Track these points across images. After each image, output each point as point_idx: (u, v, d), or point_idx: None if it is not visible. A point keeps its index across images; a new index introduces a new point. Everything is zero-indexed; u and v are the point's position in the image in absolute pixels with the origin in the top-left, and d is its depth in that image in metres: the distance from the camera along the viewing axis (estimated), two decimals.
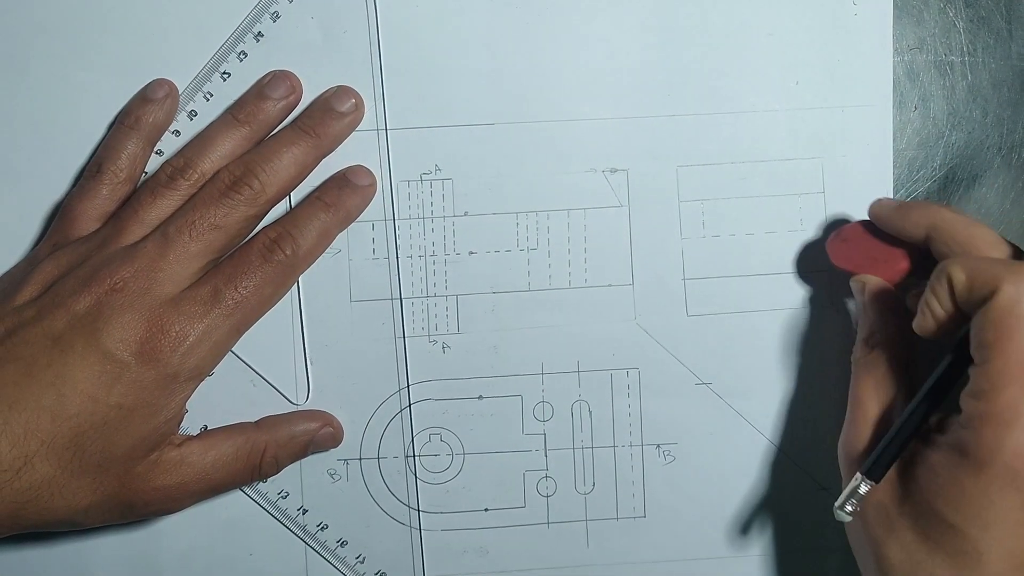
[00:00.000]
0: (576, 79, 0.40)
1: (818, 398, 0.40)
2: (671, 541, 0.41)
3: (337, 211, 0.39)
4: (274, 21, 0.40)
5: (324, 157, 0.40)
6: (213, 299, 0.37)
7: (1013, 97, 0.41)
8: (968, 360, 0.32)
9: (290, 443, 0.40)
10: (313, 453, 0.41)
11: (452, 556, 0.41)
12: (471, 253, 0.41)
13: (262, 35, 0.40)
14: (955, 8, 0.41)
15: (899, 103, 0.41)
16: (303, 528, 0.41)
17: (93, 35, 0.40)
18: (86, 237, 0.38)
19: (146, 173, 0.40)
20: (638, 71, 0.40)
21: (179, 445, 0.38)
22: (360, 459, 0.41)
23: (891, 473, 0.34)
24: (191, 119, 0.40)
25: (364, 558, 0.41)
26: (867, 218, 0.38)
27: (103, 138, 0.40)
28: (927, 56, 0.41)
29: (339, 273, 0.41)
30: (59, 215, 0.39)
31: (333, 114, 0.39)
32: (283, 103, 0.40)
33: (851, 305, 0.40)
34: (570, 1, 0.40)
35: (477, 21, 0.40)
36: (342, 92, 0.40)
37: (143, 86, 0.40)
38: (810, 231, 0.40)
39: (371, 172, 0.40)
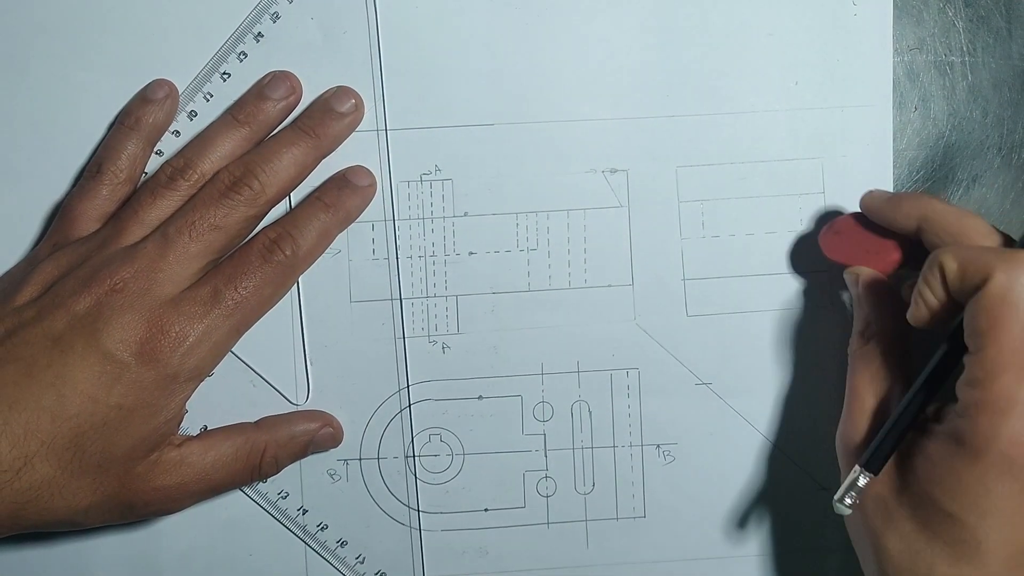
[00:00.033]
0: (576, 79, 0.40)
1: (817, 398, 0.40)
2: (671, 541, 0.41)
3: (337, 211, 0.39)
4: (274, 21, 0.40)
5: (324, 157, 0.40)
6: (213, 299, 0.37)
7: (1013, 97, 0.41)
8: (963, 349, 0.32)
9: (290, 443, 0.40)
10: (313, 453, 0.41)
11: (452, 556, 0.41)
12: (471, 253, 0.41)
13: (262, 35, 0.40)
14: (955, 8, 0.41)
15: (899, 103, 0.41)
16: (303, 528, 0.41)
17: (93, 35, 0.40)
18: (86, 237, 0.38)
19: (146, 173, 0.40)
20: (638, 71, 0.40)
21: (179, 445, 0.38)
22: (360, 459, 0.41)
23: (889, 464, 0.34)
24: (191, 119, 0.40)
25: (364, 558, 0.41)
26: (859, 210, 0.38)
27: (103, 138, 0.40)
28: (927, 56, 0.41)
29: (339, 273, 0.41)
30: (59, 215, 0.39)
31: (333, 114, 0.39)
32: (283, 104, 0.40)
33: (846, 297, 0.40)
34: (570, 1, 0.40)
35: (477, 21, 0.40)
36: (342, 92, 0.40)
37: (143, 86, 0.40)
38: (810, 232, 0.40)
39: (371, 172, 0.40)
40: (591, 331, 0.41)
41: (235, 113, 0.39)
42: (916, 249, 0.36)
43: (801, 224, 0.40)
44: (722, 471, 0.41)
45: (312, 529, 0.41)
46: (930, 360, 0.34)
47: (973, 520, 0.32)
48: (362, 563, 0.41)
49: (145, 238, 0.37)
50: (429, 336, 0.41)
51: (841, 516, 0.36)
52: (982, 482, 0.31)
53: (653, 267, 0.41)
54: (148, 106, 0.39)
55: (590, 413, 0.41)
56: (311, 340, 0.41)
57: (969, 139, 0.41)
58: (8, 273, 0.39)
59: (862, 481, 0.34)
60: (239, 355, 0.40)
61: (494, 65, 0.40)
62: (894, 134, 0.40)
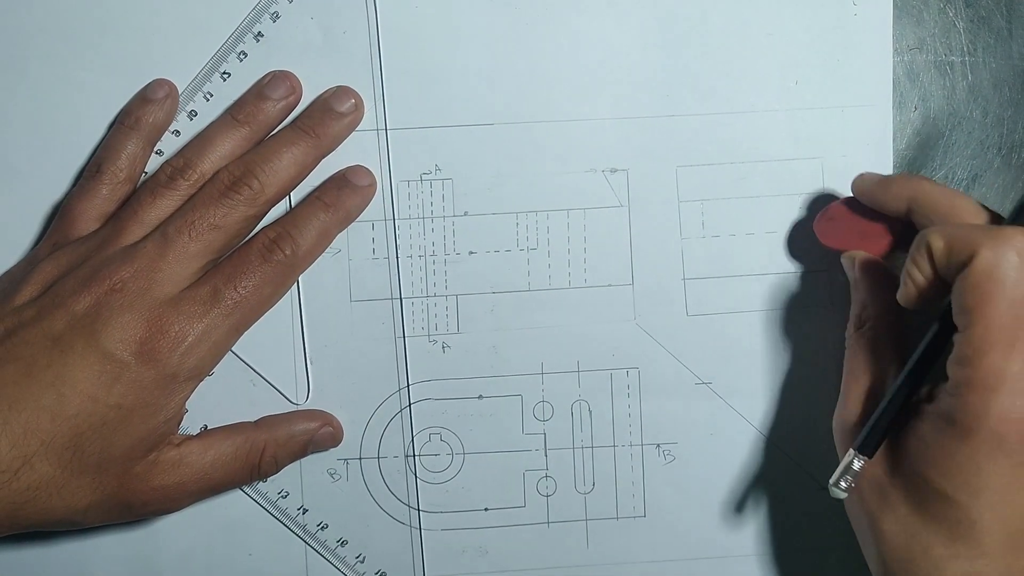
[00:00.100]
0: (576, 79, 0.40)
1: (817, 397, 0.40)
2: (671, 541, 0.41)
3: (337, 211, 0.39)
4: (274, 21, 0.40)
5: (324, 157, 0.40)
6: (212, 299, 0.37)
7: (1014, 97, 0.41)
8: (953, 328, 0.32)
9: (289, 443, 0.40)
10: (313, 453, 0.41)
11: (452, 556, 0.41)
12: (471, 253, 0.41)
13: (262, 35, 0.40)
14: (955, 8, 0.41)
15: (899, 103, 0.41)
16: (303, 528, 0.41)
17: (93, 35, 0.40)
18: (86, 237, 0.38)
19: (146, 173, 0.40)
20: (638, 71, 0.40)
21: (178, 445, 0.38)
22: (360, 459, 0.41)
23: (884, 447, 0.34)
24: (191, 119, 0.40)
25: (364, 558, 0.41)
26: (851, 195, 0.38)
27: (103, 138, 0.40)
28: (927, 56, 0.41)
29: (339, 273, 0.41)
30: (59, 215, 0.39)
31: (333, 114, 0.39)
32: (283, 103, 0.40)
33: (846, 297, 0.40)
34: (570, 1, 0.40)
35: (477, 21, 0.40)
36: (342, 92, 0.40)
37: (143, 86, 0.40)
38: (810, 231, 0.40)
39: (371, 172, 0.40)
40: (591, 331, 0.41)
41: (235, 113, 0.39)
42: (909, 231, 0.36)
43: (801, 224, 0.40)
44: (722, 471, 0.41)
45: (312, 528, 0.41)
46: (922, 341, 0.34)
47: (966, 499, 0.32)
48: (362, 562, 0.41)
49: (145, 238, 0.37)
50: (429, 336, 0.41)
51: (842, 509, 0.36)
52: (974, 460, 0.31)
53: (653, 267, 0.41)
54: (148, 106, 0.39)
55: (590, 413, 0.41)
56: (311, 340, 0.41)
57: (969, 139, 0.41)
58: (8, 273, 0.39)
59: (857, 464, 0.34)
60: (239, 355, 0.40)
61: (494, 65, 0.40)
62: (894, 134, 0.40)
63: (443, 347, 0.41)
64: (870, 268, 0.37)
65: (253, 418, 0.40)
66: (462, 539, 0.41)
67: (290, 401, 0.41)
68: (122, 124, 0.39)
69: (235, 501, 0.41)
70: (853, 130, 0.40)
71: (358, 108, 0.40)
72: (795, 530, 0.41)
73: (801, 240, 0.40)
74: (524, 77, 0.40)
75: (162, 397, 0.36)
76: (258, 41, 0.40)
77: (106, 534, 0.41)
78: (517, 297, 0.41)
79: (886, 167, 0.40)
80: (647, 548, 0.41)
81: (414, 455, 0.41)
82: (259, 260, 0.38)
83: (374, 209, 0.40)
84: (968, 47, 0.41)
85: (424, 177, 0.41)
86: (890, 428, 0.34)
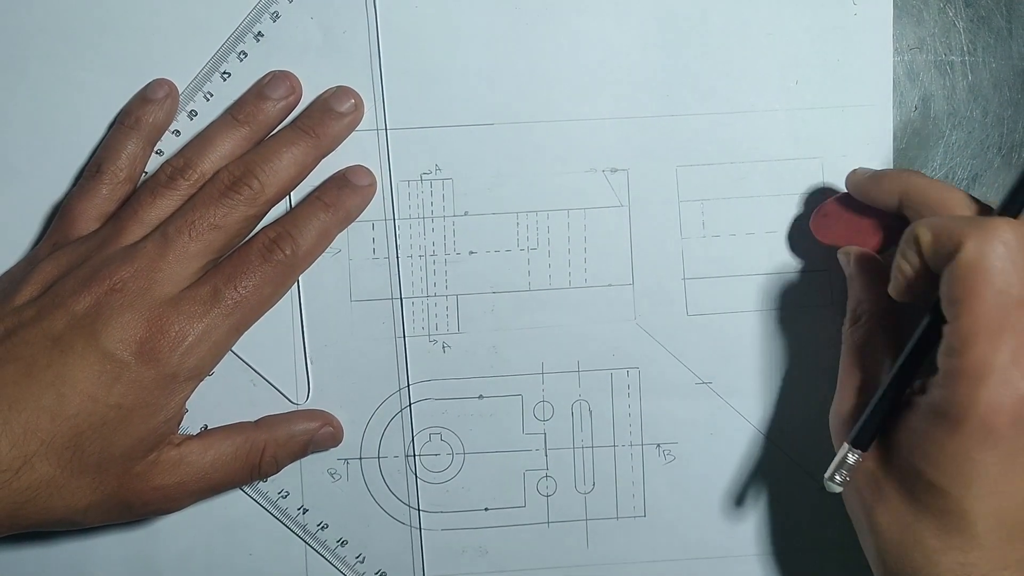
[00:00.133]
0: (576, 79, 0.40)
1: (817, 397, 0.40)
2: (671, 541, 0.41)
3: (337, 211, 0.39)
4: (274, 21, 0.40)
5: (324, 157, 0.40)
6: (213, 299, 0.37)
7: (1014, 97, 0.41)
8: (943, 320, 0.32)
9: (289, 442, 0.40)
10: (313, 452, 0.41)
11: (452, 556, 0.41)
12: (471, 253, 0.41)
13: (262, 35, 0.40)
14: (955, 8, 0.41)
15: (899, 103, 0.41)
16: (303, 528, 0.41)
17: (93, 35, 0.40)
18: (86, 237, 0.38)
19: (146, 173, 0.40)
20: (638, 71, 0.40)
21: (178, 445, 0.38)
22: (360, 459, 0.41)
23: (878, 440, 0.34)
24: (191, 119, 0.40)
25: (364, 558, 0.41)
26: (846, 192, 0.38)
27: (103, 138, 0.40)
28: (927, 56, 0.41)
29: (339, 273, 0.41)
30: (59, 215, 0.39)
31: (333, 114, 0.39)
32: (283, 103, 0.40)
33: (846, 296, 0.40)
34: (570, 1, 0.40)
35: (477, 21, 0.40)
36: (341, 92, 0.40)
37: (143, 86, 0.40)
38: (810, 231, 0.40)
39: (371, 172, 0.40)
40: (591, 331, 0.41)
41: (235, 113, 0.39)
42: (902, 226, 0.36)
43: (801, 224, 0.40)
44: (722, 471, 0.41)
45: (312, 528, 0.41)
46: (914, 334, 0.34)
47: (958, 491, 0.32)
48: (362, 562, 0.41)
49: (145, 238, 0.37)
50: (429, 335, 0.41)
51: (842, 509, 0.36)
52: (964, 451, 0.31)
53: (653, 267, 0.41)
54: (148, 106, 0.39)
55: (590, 412, 0.41)
56: (311, 340, 0.41)
57: (969, 139, 0.41)
58: (8, 273, 0.39)
59: (851, 458, 0.34)
60: (239, 354, 0.40)
61: (494, 65, 0.40)
62: (894, 134, 0.40)
63: (443, 347, 0.41)
64: (865, 263, 0.38)
65: (253, 418, 0.40)
66: (462, 539, 0.41)
67: (290, 401, 0.41)
68: (122, 124, 0.39)
69: (235, 501, 0.41)
70: (853, 130, 0.40)
71: (358, 108, 0.40)
72: (795, 530, 0.41)
73: (801, 240, 0.41)
74: (524, 77, 0.40)
75: (162, 397, 0.36)
76: (258, 41, 0.40)
77: (106, 534, 0.41)
78: (517, 297, 0.41)
79: (886, 167, 0.40)
80: (647, 548, 0.41)
81: (414, 455, 0.41)
82: (259, 260, 0.38)
83: (374, 209, 0.40)
84: (968, 47, 0.41)
85: (424, 177, 0.41)
86: (884, 421, 0.34)
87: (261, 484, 0.41)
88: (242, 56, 0.40)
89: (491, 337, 0.41)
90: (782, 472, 0.41)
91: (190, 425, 0.40)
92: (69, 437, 0.35)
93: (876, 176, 0.37)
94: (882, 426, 0.34)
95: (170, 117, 0.40)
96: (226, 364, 0.39)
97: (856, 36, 0.40)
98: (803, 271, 0.41)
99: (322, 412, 0.41)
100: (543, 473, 0.41)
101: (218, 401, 0.40)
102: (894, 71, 0.40)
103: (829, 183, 0.40)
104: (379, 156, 0.40)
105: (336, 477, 0.41)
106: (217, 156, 0.39)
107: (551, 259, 0.41)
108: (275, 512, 0.41)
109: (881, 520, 0.34)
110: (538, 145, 0.40)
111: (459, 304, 0.41)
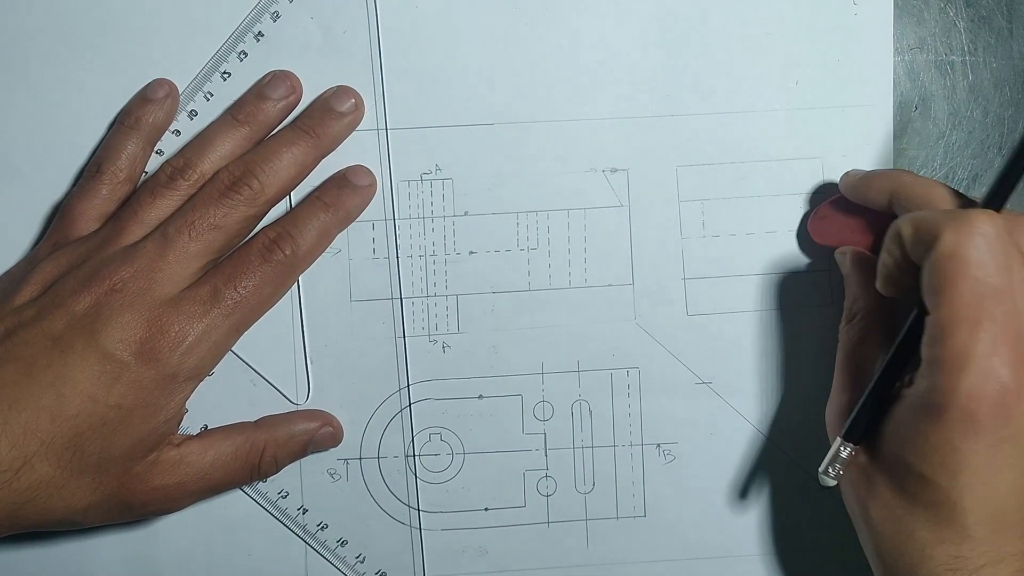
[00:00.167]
0: (576, 79, 0.40)
1: (817, 397, 0.40)
2: (671, 541, 0.41)
3: (337, 211, 0.39)
4: (274, 21, 0.40)
5: (324, 157, 0.40)
6: (212, 299, 0.37)
7: (1014, 97, 0.41)
8: (927, 312, 0.32)
9: (289, 442, 0.40)
10: (313, 453, 0.41)
11: (452, 556, 0.41)
12: (471, 253, 0.41)
13: (262, 35, 0.40)
14: (955, 7, 0.41)
15: (899, 103, 0.41)
16: (303, 528, 0.41)
17: (93, 35, 0.40)
18: (86, 237, 0.38)
19: (146, 173, 0.40)
20: (638, 71, 0.40)
21: (178, 445, 0.38)
22: (360, 459, 0.41)
23: (871, 435, 0.34)
24: (191, 119, 0.40)
25: (364, 558, 0.41)
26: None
27: (103, 138, 0.40)
28: (927, 56, 0.41)
29: (339, 273, 0.41)
30: (59, 215, 0.39)
31: (333, 114, 0.39)
32: (283, 103, 0.40)
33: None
34: (570, 1, 0.40)
35: (477, 21, 0.40)
36: (342, 92, 0.40)
37: (143, 86, 0.40)
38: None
39: (371, 172, 0.40)
40: (591, 331, 0.41)
41: (235, 113, 0.39)
42: None
43: (800, 224, 0.41)
44: (722, 471, 0.41)
45: (312, 528, 0.41)
46: (903, 327, 0.34)
47: (946, 481, 0.32)
48: (362, 562, 0.41)
49: (145, 238, 0.37)
50: (429, 335, 0.41)
51: (842, 508, 0.36)
52: (948, 441, 0.31)
53: (653, 267, 0.41)
54: (148, 106, 0.39)
55: (590, 412, 0.41)
56: (311, 340, 0.41)
57: (970, 139, 0.41)
58: (8, 273, 0.39)
59: (844, 452, 0.34)
60: (239, 354, 0.40)
61: (494, 65, 0.40)
62: (894, 134, 0.40)
63: (443, 347, 0.41)
64: (861, 262, 0.38)
65: (253, 418, 0.40)
66: (462, 539, 0.41)
67: (290, 401, 0.41)
68: (122, 124, 0.39)
69: (235, 501, 0.41)
70: (853, 130, 0.40)
71: (358, 108, 0.40)
72: (795, 530, 0.41)
73: (801, 240, 0.40)
74: (524, 77, 0.40)
75: (162, 397, 0.36)
76: (258, 41, 0.40)
77: (106, 534, 0.41)
78: (517, 297, 0.41)
79: (886, 167, 0.40)
80: (647, 548, 0.41)
81: (414, 455, 0.41)
82: (259, 260, 0.38)
83: (374, 209, 0.40)
84: (969, 47, 0.41)
85: (424, 177, 0.41)
86: (875, 415, 0.34)
87: (261, 484, 0.41)
88: (242, 56, 0.40)
89: (491, 337, 0.41)
90: (782, 472, 0.41)
91: (190, 425, 0.40)
92: (69, 437, 0.35)
93: (867, 177, 0.38)
94: (873, 420, 0.34)
95: (170, 117, 0.40)
96: (226, 364, 0.39)
97: (856, 36, 0.40)
98: (803, 271, 0.41)
99: (322, 412, 0.41)
100: (543, 473, 0.41)
101: (218, 401, 0.40)
102: (894, 71, 0.40)
103: (829, 183, 0.40)
104: (379, 156, 0.40)
105: (336, 477, 0.41)
106: (217, 156, 0.39)
107: (551, 259, 0.41)
108: (275, 512, 0.41)
109: (875, 514, 0.34)
110: (538, 145, 0.40)
111: (459, 304, 0.41)
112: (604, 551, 0.41)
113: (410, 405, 0.41)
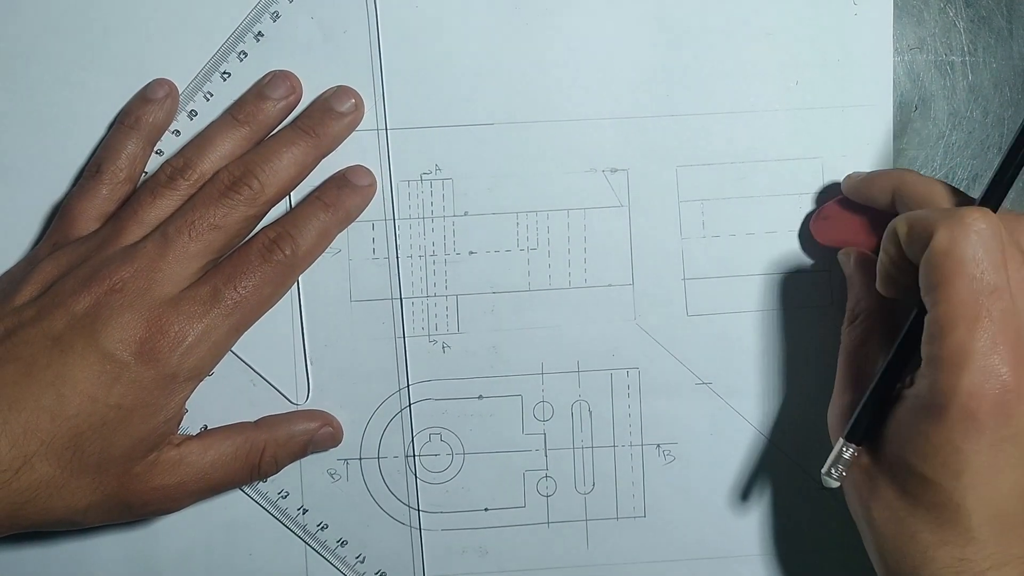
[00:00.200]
0: (576, 79, 0.40)
1: (817, 397, 0.40)
2: (671, 541, 0.41)
3: (337, 211, 0.39)
4: (274, 21, 0.40)
5: (324, 157, 0.40)
6: (212, 299, 0.37)
7: (1014, 97, 0.41)
8: (926, 311, 0.32)
9: (289, 443, 0.40)
10: (312, 453, 0.41)
11: (452, 556, 0.41)
12: (471, 253, 0.41)
13: (262, 35, 0.40)
14: (955, 8, 0.41)
15: (899, 103, 0.41)
16: (303, 528, 0.41)
17: (93, 35, 0.40)
18: (86, 237, 0.38)
19: (146, 173, 0.40)
20: (638, 71, 0.40)
21: (178, 445, 0.38)
22: (360, 459, 0.41)
23: (873, 436, 0.34)
24: (191, 119, 0.40)
25: (364, 558, 0.41)
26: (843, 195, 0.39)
27: (103, 138, 0.40)
28: (927, 56, 0.41)
29: (339, 273, 0.41)
30: (59, 215, 0.39)
31: (333, 114, 0.39)
32: (283, 103, 0.40)
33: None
34: (570, 1, 0.40)
35: (477, 21, 0.40)
36: (342, 92, 0.40)
37: (143, 86, 0.40)
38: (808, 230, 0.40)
39: (371, 172, 0.40)
40: (591, 331, 0.41)
41: (235, 113, 0.39)
42: None
43: (801, 224, 0.41)
44: (722, 471, 0.41)
45: (312, 529, 0.41)
46: (903, 328, 0.35)
47: (948, 482, 0.31)
48: (362, 563, 0.41)
49: (145, 238, 0.37)
50: (429, 335, 0.41)
51: (843, 508, 0.36)
52: (950, 441, 0.31)
53: (653, 267, 0.41)
54: (148, 105, 0.39)
55: (590, 413, 0.41)
56: (311, 340, 0.41)
57: (969, 139, 0.41)
58: (8, 273, 0.39)
59: (846, 453, 0.34)
60: (239, 355, 0.40)
61: (494, 65, 0.40)
62: (894, 134, 0.40)
63: (443, 347, 0.41)
64: (864, 263, 0.38)
65: (253, 418, 0.40)
66: (462, 539, 0.41)
67: (290, 401, 0.41)
68: (122, 124, 0.39)
69: (235, 501, 0.41)
70: (853, 130, 0.40)
71: (358, 108, 0.40)
72: (795, 530, 0.41)
73: (802, 240, 0.40)
74: (524, 77, 0.40)
75: (162, 397, 0.36)
76: (258, 41, 0.40)
77: (106, 534, 0.41)
78: (517, 297, 0.41)
79: (886, 167, 0.40)
80: (647, 548, 0.41)
81: (414, 455, 0.41)
82: (259, 260, 0.38)
83: (374, 209, 0.40)
84: (968, 47, 0.41)
85: (424, 177, 0.41)
86: (876, 415, 0.34)
87: (261, 484, 0.41)
88: (242, 56, 0.40)
89: (491, 337, 0.41)
90: (782, 472, 0.41)
91: (190, 425, 0.40)
92: (69, 437, 0.35)
93: (870, 177, 0.38)
94: (875, 421, 0.34)
95: (170, 117, 0.40)
96: (226, 364, 0.39)
97: (856, 36, 0.40)
98: (803, 271, 0.41)
99: (322, 412, 0.41)
100: (543, 473, 0.41)
101: (218, 401, 0.40)
102: (894, 71, 0.40)
103: (830, 184, 0.40)
104: (379, 156, 0.40)
105: (336, 477, 0.41)
106: (217, 156, 0.39)
107: (551, 259, 0.41)
108: (275, 512, 0.41)
109: (877, 516, 0.34)
110: (538, 145, 0.40)
111: (459, 304, 0.41)
112: (604, 551, 0.41)
113: (410, 405, 0.41)
